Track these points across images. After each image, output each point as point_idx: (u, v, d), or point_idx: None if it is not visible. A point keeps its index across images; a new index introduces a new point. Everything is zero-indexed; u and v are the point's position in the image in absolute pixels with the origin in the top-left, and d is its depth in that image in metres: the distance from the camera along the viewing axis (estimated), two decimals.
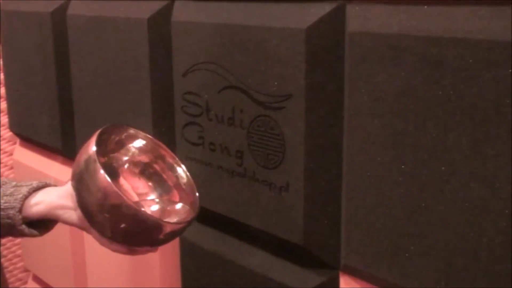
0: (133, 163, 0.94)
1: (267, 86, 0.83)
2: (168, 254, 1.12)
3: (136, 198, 0.91)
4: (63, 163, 1.38)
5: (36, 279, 1.65)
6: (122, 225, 0.79)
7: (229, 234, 0.99)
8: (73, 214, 0.85)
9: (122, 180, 0.92)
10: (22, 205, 0.85)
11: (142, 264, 1.18)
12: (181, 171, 0.92)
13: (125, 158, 0.94)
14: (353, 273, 0.82)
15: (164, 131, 1.05)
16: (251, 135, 0.87)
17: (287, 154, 0.82)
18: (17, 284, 1.73)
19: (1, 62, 1.53)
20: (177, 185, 0.92)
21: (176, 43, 0.99)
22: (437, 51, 0.65)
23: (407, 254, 0.72)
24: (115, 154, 0.93)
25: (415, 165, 0.69)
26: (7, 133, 1.62)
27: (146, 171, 0.94)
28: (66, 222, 0.86)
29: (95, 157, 0.79)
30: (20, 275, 1.73)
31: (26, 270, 1.71)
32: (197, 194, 0.88)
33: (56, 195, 0.87)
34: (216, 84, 0.91)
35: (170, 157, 0.93)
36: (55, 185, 0.91)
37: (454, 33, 0.64)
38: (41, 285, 1.64)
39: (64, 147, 1.32)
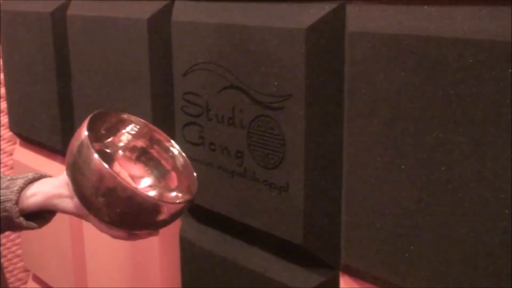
0: (128, 148, 0.93)
1: (267, 86, 0.83)
2: (168, 254, 1.12)
3: (133, 184, 0.90)
4: (63, 163, 1.38)
5: (36, 279, 1.65)
6: (119, 208, 0.78)
7: (229, 234, 0.99)
8: (70, 203, 0.84)
9: (117, 167, 0.91)
10: (18, 197, 0.84)
11: (142, 264, 1.18)
12: (177, 153, 0.91)
13: (120, 144, 0.92)
14: (353, 273, 0.82)
15: (164, 131, 1.05)
16: (251, 135, 0.87)
17: (287, 154, 0.82)
18: (17, 284, 1.73)
19: (1, 62, 1.53)
20: (174, 167, 0.91)
21: (176, 43, 0.99)
22: (437, 51, 0.65)
23: (407, 254, 0.72)
24: (109, 141, 0.92)
25: (415, 165, 0.69)
26: (7, 133, 1.62)
27: (142, 156, 0.93)
28: (63, 211, 0.86)
29: (88, 142, 0.78)
30: (20, 275, 1.73)
31: (26, 270, 1.71)
32: (194, 174, 0.87)
33: (52, 185, 0.86)
34: (216, 84, 0.91)
35: (165, 140, 0.92)
36: (50, 176, 0.91)
37: (454, 33, 0.64)
38: (41, 285, 1.64)
39: (64, 147, 1.32)
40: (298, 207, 0.82)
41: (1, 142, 1.64)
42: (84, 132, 0.79)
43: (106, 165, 0.76)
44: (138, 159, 0.93)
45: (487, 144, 0.63)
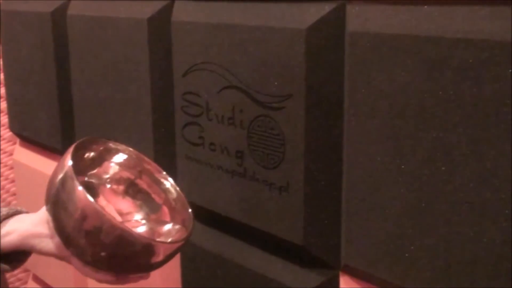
0: (115, 180, 0.85)
1: (267, 86, 0.83)
2: None
3: (120, 220, 0.82)
4: None
5: (36, 279, 1.65)
6: (107, 249, 0.69)
7: (229, 234, 0.99)
8: (50, 243, 0.76)
9: (103, 201, 0.84)
10: None
11: None
12: (170, 185, 0.84)
13: (106, 176, 0.85)
14: (353, 273, 0.82)
15: (164, 131, 1.05)
16: (251, 135, 0.87)
17: (287, 154, 0.82)
18: (17, 284, 1.73)
19: (1, 62, 1.53)
20: (166, 201, 0.84)
21: (176, 43, 0.99)
22: (437, 51, 0.65)
23: (407, 254, 0.72)
24: (94, 172, 0.84)
25: (415, 165, 0.69)
26: (7, 133, 1.62)
27: (130, 189, 0.85)
28: (42, 252, 0.77)
29: (72, 173, 0.70)
30: (20, 275, 1.73)
31: (26, 270, 1.71)
32: (189, 210, 0.81)
33: (29, 222, 0.78)
34: (216, 84, 0.91)
35: (156, 171, 0.85)
36: (27, 212, 0.83)
37: (454, 33, 0.64)
38: (41, 285, 1.64)
39: (64, 147, 1.32)
40: (298, 207, 0.82)
41: (1, 142, 1.64)
42: (68, 163, 0.71)
43: (92, 200, 0.69)
44: (126, 192, 0.85)
45: (487, 144, 0.63)
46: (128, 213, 0.85)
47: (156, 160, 1.05)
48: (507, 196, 0.62)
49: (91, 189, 0.83)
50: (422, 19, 0.67)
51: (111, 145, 0.85)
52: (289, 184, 0.83)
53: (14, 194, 1.67)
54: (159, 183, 0.85)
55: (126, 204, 0.85)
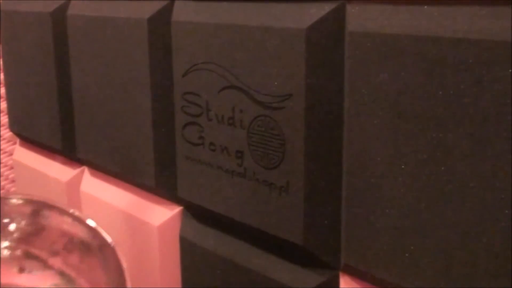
0: (10, 247, 0.60)
1: (267, 86, 0.83)
2: (168, 254, 1.12)
3: None
4: (63, 163, 1.38)
5: None
6: None
7: (229, 234, 0.99)
8: None
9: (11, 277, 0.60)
10: None
11: (142, 264, 1.18)
12: (89, 237, 0.56)
13: (3, 244, 0.60)
14: (353, 273, 0.82)
15: (164, 131, 1.05)
16: (251, 135, 0.87)
17: (287, 154, 0.82)
18: None
19: (1, 62, 1.53)
20: (83, 271, 0.59)
21: (176, 43, 0.99)
22: (437, 51, 0.65)
23: (407, 254, 0.72)
24: None
25: (415, 165, 0.69)
26: (7, 133, 1.62)
27: (31, 258, 0.60)
28: None
29: None
30: None
31: None
32: (127, 279, 0.52)
33: None
34: (216, 84, 0.91)
35: (71, 218, 0.57)
36: None
37: (454, 33, 0.64)
38: None
39: (64, 147, 1.32)
40: (298, 207, 0.82)
41: (1, 142, 1.64)
42: None
43: None
44: (27, 259, 0.60)
45: (487, 144, 0.63)
46: None
47: (156, 160, 1.05)
48: (507, 196, 0.62)
49: None
50: (422, 19, 0.67)
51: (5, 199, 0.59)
52: (289, 184, 0.83)
53: None
54: (79, 246, 0.62)
55: (26, 279, 0.60)
